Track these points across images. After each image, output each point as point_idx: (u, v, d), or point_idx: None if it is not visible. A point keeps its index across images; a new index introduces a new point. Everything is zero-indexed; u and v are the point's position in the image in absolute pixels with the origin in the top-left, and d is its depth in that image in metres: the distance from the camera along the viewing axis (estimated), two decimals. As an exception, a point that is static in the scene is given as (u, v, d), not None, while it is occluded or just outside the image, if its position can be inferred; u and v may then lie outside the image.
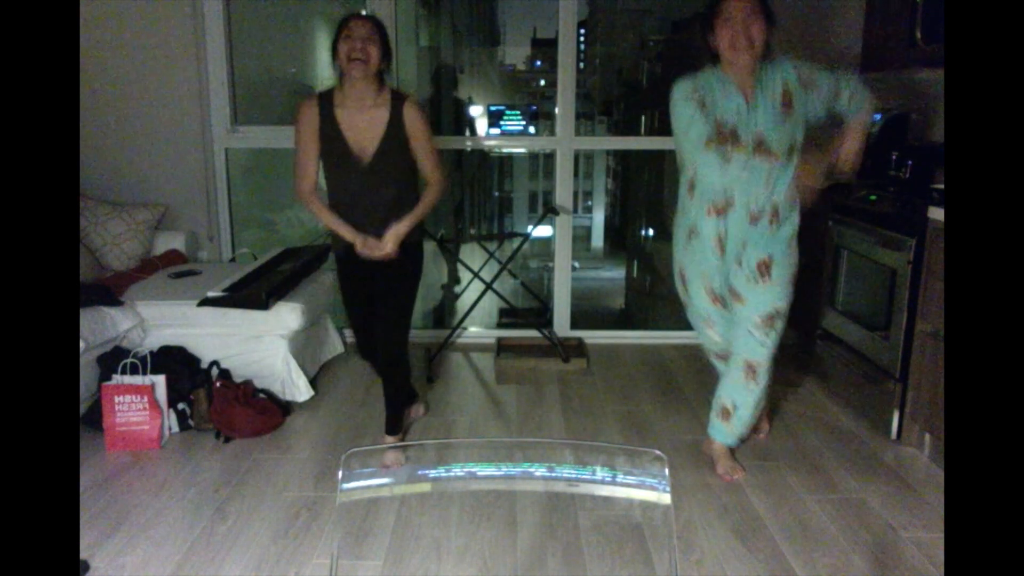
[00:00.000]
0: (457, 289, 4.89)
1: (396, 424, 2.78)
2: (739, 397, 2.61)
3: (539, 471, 1.31)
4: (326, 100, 2.53)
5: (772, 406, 3.26)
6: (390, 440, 2.78)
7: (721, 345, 2.71)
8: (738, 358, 2.59)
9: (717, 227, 2.49)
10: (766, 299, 2.50)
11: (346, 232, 2.55)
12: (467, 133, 5.30)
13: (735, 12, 2.33)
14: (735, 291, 2.55)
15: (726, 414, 2.64)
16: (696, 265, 2.59)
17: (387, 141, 2.51)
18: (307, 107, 2.53)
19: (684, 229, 2.59)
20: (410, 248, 2.62)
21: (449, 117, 5.12)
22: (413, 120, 2.53)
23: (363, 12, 2.62)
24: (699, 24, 2.47)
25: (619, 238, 9.43)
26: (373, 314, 2.69)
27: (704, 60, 2.52)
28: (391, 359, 2.70)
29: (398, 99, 2.53)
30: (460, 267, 4.08)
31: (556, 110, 4.01)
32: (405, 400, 2.88)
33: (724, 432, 2.67)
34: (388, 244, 2.53)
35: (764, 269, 2.49)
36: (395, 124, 2.51)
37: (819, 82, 2.41)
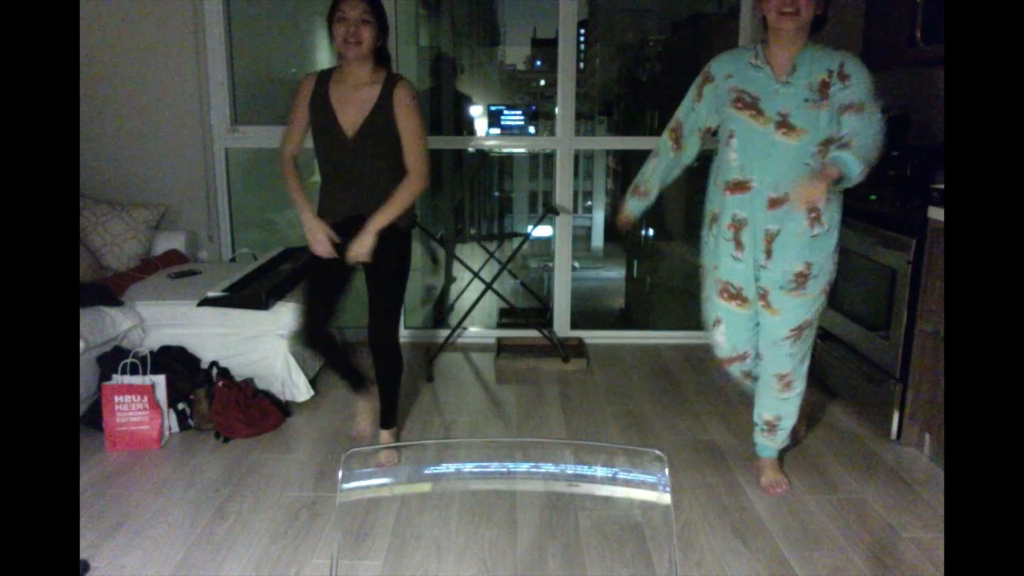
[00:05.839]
0: (457, 289, 4.89)
1: (391, 417, 2.79)
2: (781, 408, 2.54)
3: (539, 471, 1.31)
4: (324, 77, 2.57)
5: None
6: (385, 435, 2.79)
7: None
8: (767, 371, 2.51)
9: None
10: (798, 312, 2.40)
11: (310, 222, 2.53)
12: (465, 133, 5.30)
13: None
14: (765, 297, 2.42)
15: (771, 428, 2.58)
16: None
17: (373, 119, 2.49)
18: (306, 81, 2.60)
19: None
20: (393, 237, 2.57)
21: (448, 110, 5.07)
22: (401, 100, 2.50)
23: None
24: None
25: (619, 238, 9.45)
26: (334, 302, 2.66)
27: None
28: (388, 350, 2.70)
29: (391, 80, 2.53)
30: (460, 267, 4.08)
31: (556, 110, 4.01)
32: (397, 393, 2.83)
33: (770, 447, 2.61)
34: (364, 246, 2.48)
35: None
36: (383, 103, 2.51)
37: (854, 85, 2.19)
